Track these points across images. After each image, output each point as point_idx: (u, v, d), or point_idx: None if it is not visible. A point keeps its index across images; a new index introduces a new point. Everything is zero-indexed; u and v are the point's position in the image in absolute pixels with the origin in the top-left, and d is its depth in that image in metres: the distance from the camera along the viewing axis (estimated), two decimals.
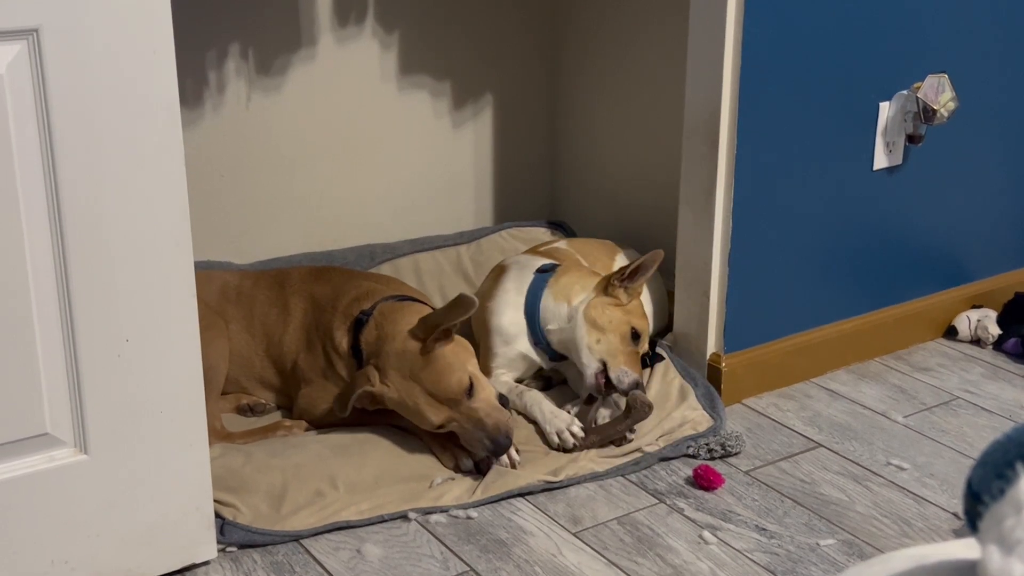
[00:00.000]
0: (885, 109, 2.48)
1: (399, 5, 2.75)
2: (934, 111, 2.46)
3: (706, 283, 2.36)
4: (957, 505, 2.05)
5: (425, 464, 2.11)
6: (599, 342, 2.20)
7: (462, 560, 1.89)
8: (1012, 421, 2.39)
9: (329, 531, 1.95)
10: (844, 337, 2.57)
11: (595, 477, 2.12)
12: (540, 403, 2.23)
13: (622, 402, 2.22)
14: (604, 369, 2.19)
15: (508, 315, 2.32)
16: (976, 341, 2.72)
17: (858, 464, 2.20)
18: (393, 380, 2.07)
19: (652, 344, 2.43)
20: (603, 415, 2.23)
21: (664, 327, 2.58)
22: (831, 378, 2.55)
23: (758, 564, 1.89)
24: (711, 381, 2.38)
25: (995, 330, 2.70)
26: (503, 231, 2.91)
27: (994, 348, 2.70)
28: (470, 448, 2.07)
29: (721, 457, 2.20)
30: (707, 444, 2.20)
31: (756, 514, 2.03)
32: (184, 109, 1.93)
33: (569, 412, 2.23)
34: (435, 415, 2.05)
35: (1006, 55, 2.65)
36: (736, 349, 2.41)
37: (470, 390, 2.04)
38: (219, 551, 1.88)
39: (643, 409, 2.17)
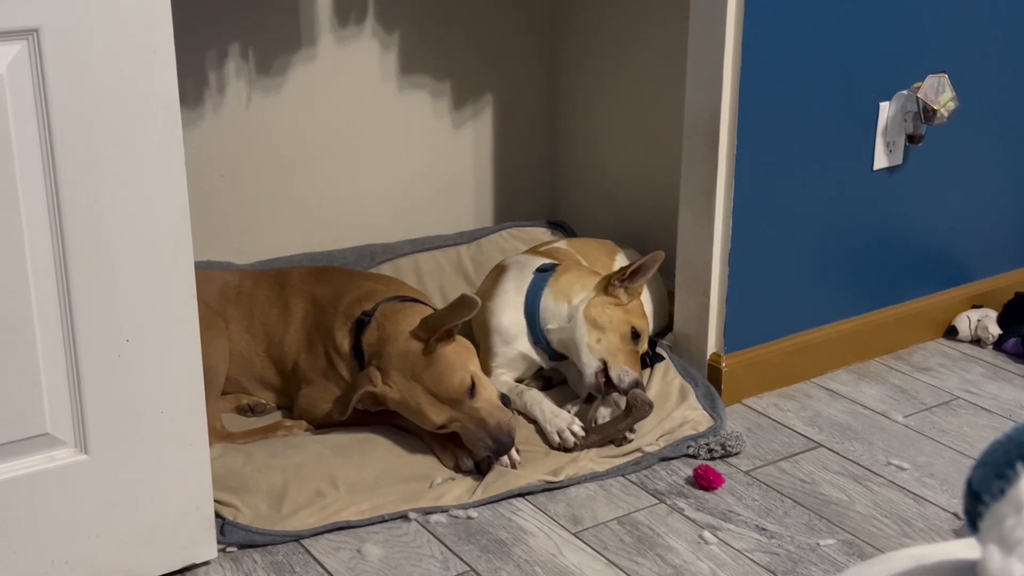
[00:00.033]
0: (885, 109, 2.48)
1: (399, 5, 2.75)
2: (934, 111, 2.46)
3: (706, 283, 2.36)
4: (957, 505, 2.05)
5: (425, 464, 2.11)
6: (599, 341, 2.20)
7: (462, 560, 1.89)
8: (1012, 421, 2.39)
9: (329, 531, 1.95)
10: (844, 337, 2.57)
11: (595, 477, 2.12)
12: (540, 402, 2.23)
13: (622, 402, 2.22)
14: (604, 368, 2.19)
15: (508, 315, 2.32)
16: (976, 341, 2.72)
17: (858, 464, 2.20)
18: (395, 381, 2.07)
19: (652, 344, 2.43)
20: (603, 414, 2.23)
21: (664, 327, 2.58)
22: (831, 378, 2.55)
23: (758, 564, 1.89)
24: (711, 381, 2.38)
25: (995, 330, 2.70)
26: (503, 231, 2.91)
27: (994, 348, 2.70)
28: (472, 448, 2.07)
29: (721, 457, 2.20)
30: (707, 444, 2.20)
31: (756, 514, 2.03)
32: (184, 109, 1.93)
33: (569, 412, 2.23)
34: (437, 415, 2.05)
35: (1006, 55, 2.65)
36: (736, 349, 2.41)
37: (472, 390, 2.04)
38: (219, 551, 1.88)
39: (643, 408, 2.17)
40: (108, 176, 1.60)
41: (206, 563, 1.86)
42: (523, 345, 2.32)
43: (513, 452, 2.11)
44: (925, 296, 2.72)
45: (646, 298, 2.47)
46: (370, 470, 2.06)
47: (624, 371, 2.18)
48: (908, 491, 2.11)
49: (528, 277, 2.35)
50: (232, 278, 2.40)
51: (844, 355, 2.59)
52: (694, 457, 2.20)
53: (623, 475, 2.14)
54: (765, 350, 2.46)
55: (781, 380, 2.49)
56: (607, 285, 2.26)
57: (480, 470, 2.10)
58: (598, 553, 1.91)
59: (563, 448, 2.16)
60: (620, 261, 2.58)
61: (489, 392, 2.08)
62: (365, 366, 2.14)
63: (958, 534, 1.98)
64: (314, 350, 2.26)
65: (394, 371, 2.07)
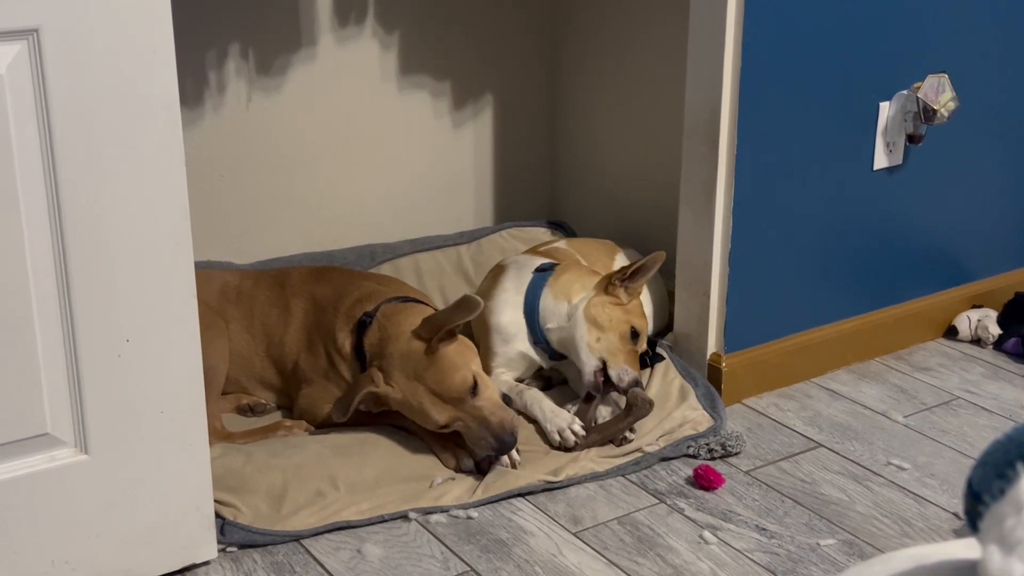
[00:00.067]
0: (885, 109, 2.48)
1: (399, 5, 2.75)
2: (934, 111, 2.46)
3: (706, 283, 2.36)
4: (957, 505, 2.05)
5: (425, 464, 2.11)
6: (599, 340, 2.20)
7: (462, 560, 1.89)
8: (1012, 421, 2.39)
9: (329, 531, 1.95)
10: (844, 337, 2.57)
11: (595, 477, 2.12)
12: (540, 402, 2.23)
13: (622, 401, 2.22)
14: (603, 367, 2.19)
15: (507, 314, 2.32)
16: (976, 341, 2.72)
17: (858, 464, 2.20)
18: (397, 381, 2.07)
19: (652, 344, 2.43)
20: (603, 414, 2.23)
21: (664, 327, 2.58)
22: (831, 378, 2.55)
23: (758, 564, 1.89)
24: (711, 381, 2.38)
25: (995, 330, 2.70)
26: (503, 231, 2.91)
27: (994, 348, 2.70)
28: (475, 447, 2.07)
29: (721, 457, 2.20)
30: (707, 444, 2.20)
31: (756, 514, 2.03)
32: (184, 109, 1.93)
33: (568, 411, 2.23)
34: (440, 415, 2.05)
35: (1006, 55, 2.65)
36: (736, 349, 2.41)
37: (474, 389, 2.04)
38: (219, 551, 1.88)
39: (644, 406, 2.17)
40: (108, 176, 1.60)
41: (206, 563, 1.86)
42: (523, 344, 2.32)
43: (513, 452, 2.11)
44: (925, 296, 2.72)
45: (646, 298, 2.47)
46: (370, 470, 2.06)
47: (624, 370, 2.18)
48: (908, 491, 2.11)
49: (527, 277, 2.35)
50: (232, 278, 2.40)
51: (844, 355, 2.59)
52: (694, 457, 2.20)
53: (623, 475, 2.14)
54: (765, 350, 2.46)
55: (781, 380, 2.49)
56: (607, 284, 2.26)
57: (480, 470, 2.10)
58: (598, 553, 1.91)
59: (563, 448, 2.16)
60: (620, 261, 2.58)
61: (491, 391, 2.08)
62: (367, 367, 2.14)
63: (958, 534, 1.98)
64: (315, 350, 2.26)
65: (396, 371, 2.07)
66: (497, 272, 2.44)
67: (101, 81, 1.56)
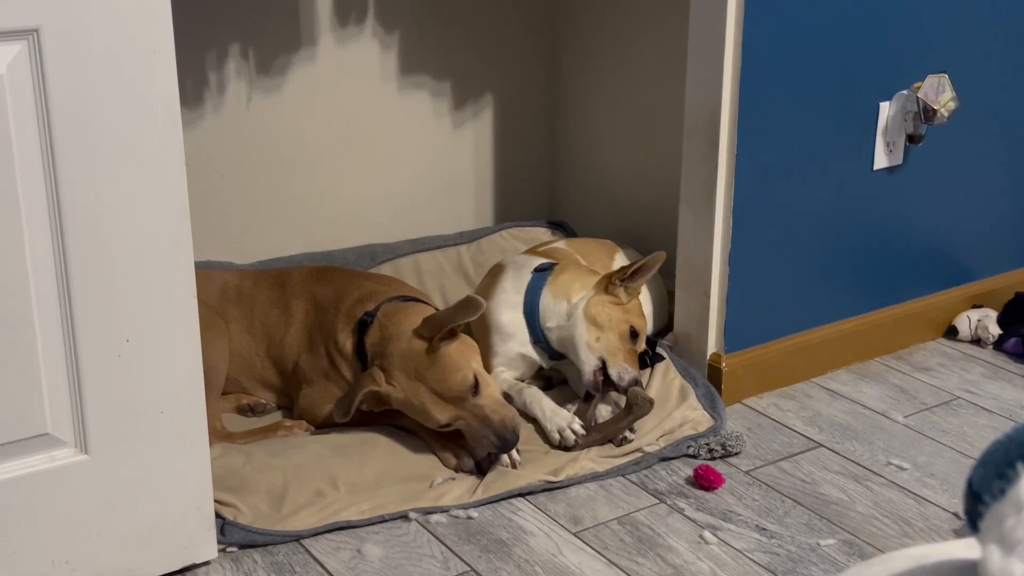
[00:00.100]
0: (885, 109, 2.48)
1: (399, 5, 2.75)
2: (934, 111, 2.46)
3: (706, 283, 2.36)
4: (957, 505, 2.05)
5: (426, 464, 2.11)
6: (598, 340, 2.20)
7: (462, 560, 1.89)
8: (1012, 421, 2.39)
9: (329, 531, 1.95)
10: (844, 337, 2.57)
11: (595, 477, 2.12)
12: (540, 400, 2.23)
13: (622, 401, 2.22)
14: (603, 367, 2.20)
15: (507, 314, 2.32)
16: (976, 341, 2.72)
17: (858, 464, 2.20)
18: (398, 380, 2.07)
19: (652, 344, 2.43)
20: (603, 413, 2.23)
21: (664, 327, 2.58)
22: (831, 378, 2.55)
23: (758, 564, 1.89)
24: (711, 381, 2.38)
25: (995, 330, 2.70)
26: (503, 231, 2.91)
27: (994, 348, 2.70)
28: (477, 445, 2.08)
29: (721, 457, 2.20)
30: (707, 444, 2.20)
31: (756, 514, 2.03)
32: (184, 109, 1.93)
33: (568, 411, 2.23)
34: (441, 414, 2.05)
35: (1006, 55, 2.65)
36: (736, 349, 2.41)
37: (475, 388, 2.04)
38: (219, 551, 1.88)
39: (644, 405, 2.17)
40: (108, 176, 1.60)
41: (206, 563, 1.86)
42: (523, 344, 2.32)
43: (514, 452, 2.11)
44: (925, 296, 2.72)
45: (646, 298, 2.47)
46: (370, 470, 2.06)
47: (624, 369, 2.18)
48: (908, 491, 2.11)
49: (526, 277, 2.35)
50: (232, 278, 2.40)
51: (844, 355, 2.59)
52: (694, 457, 2.20)
53: (623, 475, 2.14)
54: (765, 350, 2.46)
55: (781, 380, 2.49)
56: (607, 284, 2.26)
57: (481, 470, 2.10)
58: (598, 553, 1.91)
59: (563, 447, 2.16)
60: (619, 261, 2.58)
61: (492, 389, 2.08)
62: (368, 366, 2.14)
63: (958, 534, 1.98)
64: (315, 350, 2.26)
65: (397, 371, 2.07)
66: (496, 272, 2.44)
67: (101, 81, 1.56)
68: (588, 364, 2.20)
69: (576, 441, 2.16)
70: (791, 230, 2.43)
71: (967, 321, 2.72)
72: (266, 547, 1.91)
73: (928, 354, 2.68)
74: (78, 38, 1.53)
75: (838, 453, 2.24)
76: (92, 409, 1.67)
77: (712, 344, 2.40)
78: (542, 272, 2.35)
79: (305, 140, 2.72)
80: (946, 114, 2.48)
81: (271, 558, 1.89)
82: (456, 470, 2.10)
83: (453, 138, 2.93)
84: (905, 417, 2.38)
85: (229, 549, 1.90)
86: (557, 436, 2.17)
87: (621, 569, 1.87)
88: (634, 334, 2.23)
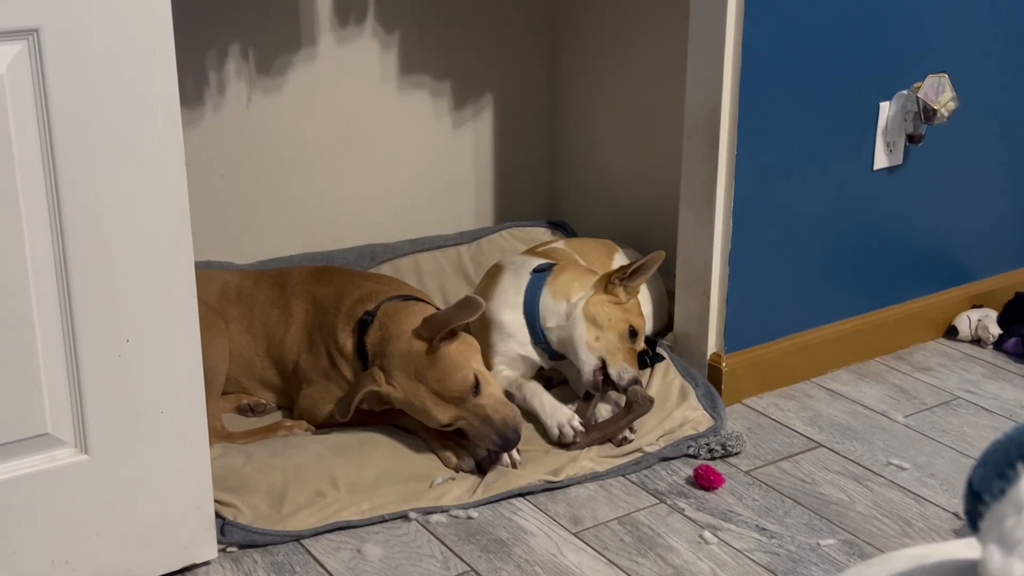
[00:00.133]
0: (885, 109, 2.48)
1: (399, 5, 2.75)
2: (934, 111, 2.46)
3: (706, 283, 2.36)
4: (958, 505, 2.05)
5: (426, 464, 2.11)
6: (598, 339, 2.21)
7: (463, 560, 1.89)
8: (1012, 421, 2.39)
9: (330, 531, 1.95)
10: (844, 337, 2.57)
11: (595, 477, 2.12)
12: (540, 395, 2.23)
13: (621, 400, 2.22)
14: (603, 366, 2.20)
15: (507, 314, 2.32)
16: (976, 341, 2.72)
17: (859, 464, 2.20)
18: (399, 381, 2.07)
19: (653, 344, 2.43)
20: (602, 413, 2.23)
21: (664, 327, 2.58)
22: (831, 378, 2.55)
23: (759, 564, 1.89)
24: (711, 381, 2.38)
25: (995, 330, 2.70)
26: (503, 231, 2.91)
27: (994, 348, 2.70)
28: (479, 444, 2.08)
29: (721, 457, 2.20)
30: (707, 444, 2.20)
31: (757, 514, 2.03)
32: (184, 109, 1.93)
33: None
34: (442, 414, 2.05)
35: (1006, 55, 2.65)
36: (736, 349, 2.41)
37: (476, 387, 2.04)
38: (219, 551, 1.88)
39: (644, 403, 2.18)
40: (108, 176, 1.60)
41: (206, 563, 1.86)
42: (523, 345, 2.32)
43: (514, 452, 2.11)
44: (925, 296, 2.72)
45: (646, 298, 2.47)
46: (370, 470, 2.06)
47: (623, 368, 2.18)
48: (908, 491, 2.11)
49: (525, 278, 2.35)
50: (232, 278, 2.40)
51: (844, 355, 2.59)
52: (694, 457, 2.20)
53: (623, 475, 2.14)
54: (765, 350, 2.46)
55: (781, 380, 2.49)
56: (606, 283, 2.26)
57: (481, 469, 2.10)
58: (598, 553, 1.91)
59: (562, 443, 2.16)
60: (619, 260, 2.58)
61: (493, 388, 2.08)
62: (369, 366, 2.14)
63: (958, 534, 1.98)
64: (316, 350, 2.26)
65: (397, 371, 2.07)
66: (495, 273, 2.43)
67: (101, 81, 1.56)
68: (588, 364, 2.20)
69: (575, 437, 2.15)
70: (791, 230, 2.43)
71: (967, 321, 2.72)
72: (266, 547, 1.91)
73: (928, 354, 2.68)
74: (78, 38, 1.53)
75: (838, 453, 2.24)
76: (92, 409, 1.67)
77: (712, 344, 2.40)
78: (541, 273, 2.35)
79: (305, 140, 2.72)
80: (946, 114, 2.48)
81: (271, 558, 1.89)
82: (456, 470, 2.10)
83: (453, 138, 2.93)
84: (905, 417, 2.38)
85: (229, 549, 1.90)
86: (556, 431, 2.17)
87: (621, 569, 1.87)
88: (633, 333, 2.23)
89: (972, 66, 2.58)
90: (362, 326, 2.18)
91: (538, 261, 2.41)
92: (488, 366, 2.29)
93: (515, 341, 2.32)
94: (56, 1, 1.50)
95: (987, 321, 2.71)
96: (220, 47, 2.56)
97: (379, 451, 2.11)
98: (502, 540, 1.94)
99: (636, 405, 2.17)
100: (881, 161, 2.52)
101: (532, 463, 2.12)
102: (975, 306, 2.78)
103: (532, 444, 2.18)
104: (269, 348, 2.32)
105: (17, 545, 1.67)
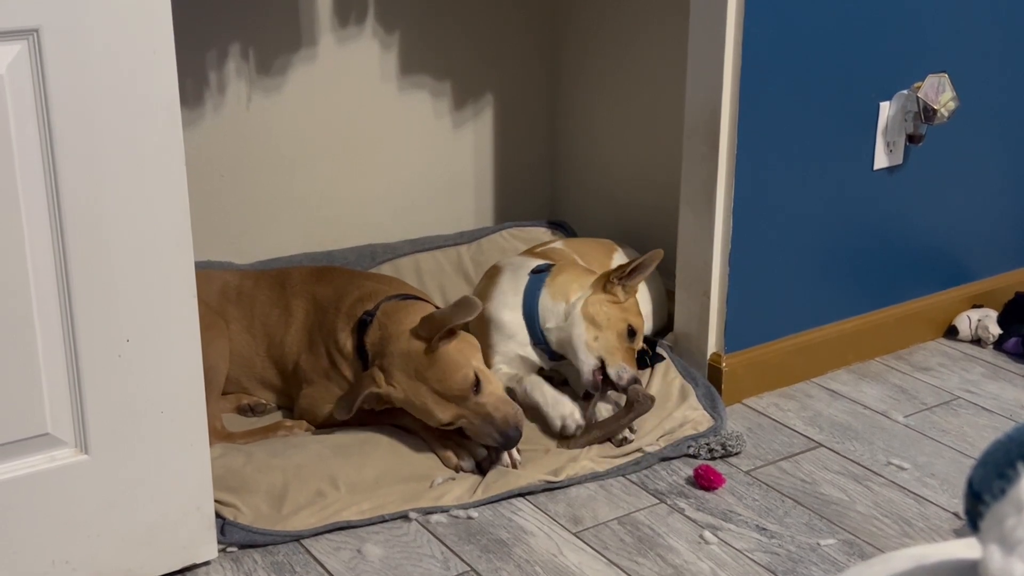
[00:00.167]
0: (885, 109, 2.48)
1: (399, 5, 2.75)
2: (934, 111, 2.46)
3: (706, 283, 2.36)
4: (958, 505, 2.05)
5: (426, 464, 2.11)
6: (597, 339, 2.21)
7: (463, 560, 1.89)
8: (1013, 421, 2.39)
9: (330, 531, 1.95)
10: (844, 337, 2.57)
11: (596, 477, 2.12)
12: (541, 387, 2.23)
13: (621, 400, 2.22)
14: (602, 366, 2.20)
15: (506, 315, 2.32)
16: (977, 341, 2.72)
17: (859, 464, 2.20)
18: (399, 380, 2.07)
19: (653, 344, 2.43)
20: (602, 412, 2.23)
21: (663, 326, 2.58)
22: (832, 378, 2.55)
23: (759, 564, 1.89)
24: (712, 381, 2.38)
25: (996, 330, 2.70)
26: (503, 231, 2.91)
27: (995, 348, 2.70)
28: (480, 443, 2.08)
29: (722, 457, 2.20)
30: (708, 444, 2.20)
31: (757, 514, 2.03)
32: (184, 109, 1.93)
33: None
34: (443, 413, 2.05)
35: (1006, 55, 2.65)
36: (736, 349, 2.41)
37: (477, 386, 2.04)
38: (220, 551, 1.88)
39: (645, 402, 2.18)
40: (108, 176, 1.60)
41: (206, 563, 1.86)
42: (522, 345, 2.32)
43: (514, 452, 2.11)
44: (925, 296, 2.72)
45: (645, 297, 2.47)
46: (370, 470, 2.06)
47: (623, 368, 2.18)
48: (908, 491, 2.11)
49: (524, 278, 2.35)
50: (232, 278, 2.40)
51: (844, 355, 2.59)
52: (694, 457, 2.20)
53: (623, 475, 2.14)
54: (765, 350, 2.46)
55: (781, 380, 2.49)
56: (604, 283, 2.26)
57: (481, 469, 2.10)
58: (598, 553, 1.91)
59: (564, 435, 2.16)
60: (618, 260, 2.58)
61: (494, 386, 2.08)
62: (369, 365, 2.14)
63: (959, 534, 1.98)
64: (316, 350, 2.26)
65: (397, 370, 2.07)
66: (493, 274, 2.43)
67: (101, 81, 1.56)
68: (587, 364, 2.20)
69: (577, 430, 2.16)
70: (791, 230, 2.43)
71: (967, 321, 2.72)
72: (266, 547, 1.91)
73: (928, 354, 2.68)
74: (78, 38, 1.53)
75: (838, 453, 2.24)
76: (92, 409, 1.67)
77: (712, 344, 2.40)
78: (539, 274, 2.35)
79: (305, 140, 2.72)
80: (946, 114, 2.48)
81: (271, 558, 1.89)
82: (456, 470, 2.10)
83: (453, 138, 2.93)
84: (905, 417, 2.38)
85: (229, 549, 1.90)
86: (559, 423, 2.17)
87: (621, 569, 1.87)
88: (632, 333, 2.23)
89: (972, 66, 2.58)
90: (361, 326, 2.18)
91: (536, 262, 2.41)
92: (488, 366, 2.29)
93: (515, 341, 2.32)
94: (56, 1, 1.50)
95: (987, 321, 2.71)
96: (220, 47, 2.56)
97: (379, 451, 2.11)
98: (502, 540, 1.94)
99: (637, 404, 2.17)
100: (881, 161, 2.52)
101: (532, 463, 2.12)
102: (975, 306, 2.78)
103: (532, 444, 2.18)
104: (269, 348, 2.32)
105: (17, 545, 1.67)
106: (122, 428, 1.70)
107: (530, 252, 2.56)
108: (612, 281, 2.25)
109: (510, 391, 2.21)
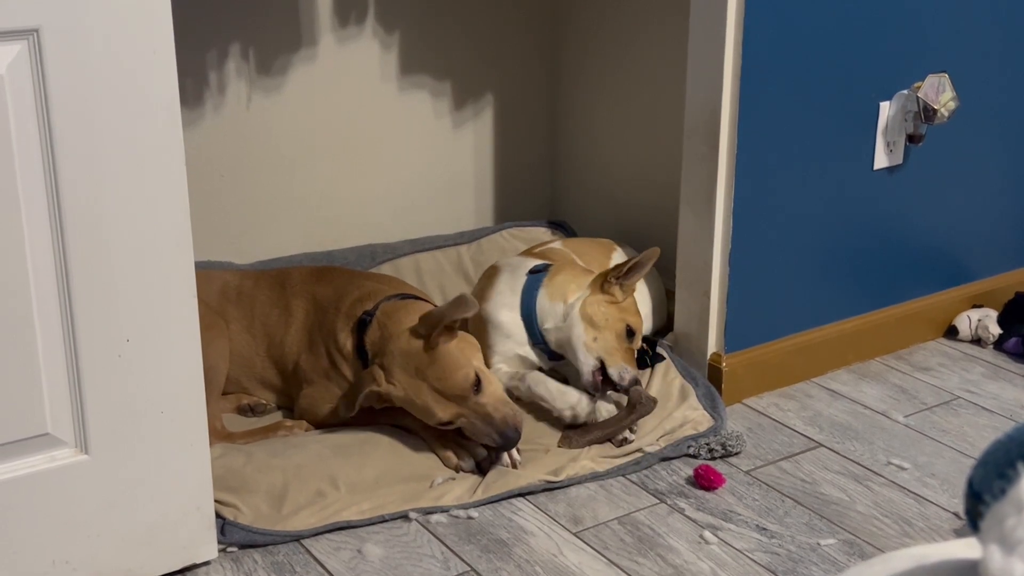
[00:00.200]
0: (885, 109, 2.48)
1: (399, 5, 2.75)
2: (934, 111, 2.46)
3: (707, 283, 2.36)
4: (958, 505, 2.05)
5: (426, 464, 2.11)
6: (596, 340, 2.21)
7: (463, 560, 1.89)
8: (1013, 421, 2.39)
9: (330, 531, 1.95)
10: (845, 337, 2.57)
11: (596, 477, 2.12)
12: (545, 381, 2.23)
13: (622, 400, 2.22)
14: (601, 367, 2.20)
15: (504, 315, 2.32)
16: (977, 341, 2.72)
17: (859, 464, 2.20)
18: (399, 379, 2.07)
19: (653, 344, 2.43)
20: (602, 413, 2.23)
21: (663, 326, 2.58)
22: (832, 378, 2.55)
23: (759, 564, 1.89)
24: (712, 381, 2.38)
25: (996, 330, 2.70)
26: (503, 231, 2.91)
27: (995, 348, 2.70)
28: (479, 442, 2.08)
29: (722, 457, 2.20)
30: (708, 444, 2.20)
31: (757, 514, 2.03)
32: (184, 109, 1.93)
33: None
34: (443, 412, 2.05)
35: (1006, 55, 2.65)
36: (737, 349, 2.41)
37: (477, 385, 2.04)
38: (220, 551, 1.88)
39: (648, 404, 2.18)
40: (108, 176, 1.60)
41: (206, 563, 1.86)
42: (521, 346, 2.32)
43: (514, 452, 2.11)
44: (925, 296, 2.72)
45: (645, 297, 2.47)
46: (370, 470, 2.06)
47: (623, 369, 2.18)
48: (909, 491, 2.11)
49: (521, 279, 2.35)
50: (232, 278, 2.40)
51: (844, 355, 2.59)
52: (695, 457, 2.20)
53: (623, 475, 2.14)
54: (765, 350, 2.46)
55: (781, 380, 2.49)
56: (602, 283, 2.26)
57: (481, 469, 2.10)
58: (599, 553, 1.91)
59: (574, 424, 2.16)
60: (616, 259, 2.58)
61: (494, 387, 2.08)
62: (369, 365, 2.14)
63: (959, 534, 1.98)
64: (316, 350, 2.26)
65: (397, 369, 2.07)
66: (491, 274, 2.43)
67: (101, 81, 1.56)
68: (587, 364, 2.20)
69: (587, 418, 2.16)
70: (791, 230, 2.43)
71: (967, 321, 2.72)
72: (266, 547, 1.91)
73: (928, 354, 2.68)
74: (78, 38, 1.53)
75: (838, 453, 2.24)
76: (92, 409, 1.67)
77: (712, 344, 2.40)
78: (537, 274, 2.35)
79: (305, 140, 2.72)
80: (946, 114, 2.48)
81: (271, 558, 1.89)
82: (456, 470, 2.10)
83: (453, 138, 2.93)
84: (905, 417, 2.38)
85: (229, 549, 1.90)
86: (568, 413, 2.17)
87: (621, 569, 1.87)
88: (630, 332, 2.23)
89: (972, 66, 2.58)
90: (361, 325, 2.18)
91: (534, 262, 2.41)
92: (487, 366, 2.29)
93: (513, 341, 2.32)
94: (56, 1, 1.50)
95: (987, 321, 2.71)
96: (220, 47, 2.56)
97: (379, 451, 2.12)
98: (502, 540, 1.94)
99: (640, 406, 2.17)
100: (881, 161, 2.52)
101: (532, 463, 2.12)
102: (975, 306, 2.78)
103: (532, 444, 2.18)
104: (269, 348, 2.32)
105: (17, 545, 1.67)
106: (122, 428, 1.70)
107: (528, 252, 2.56)
108: (610, 281, 2.25)
109: (512, 390, 2.21)
